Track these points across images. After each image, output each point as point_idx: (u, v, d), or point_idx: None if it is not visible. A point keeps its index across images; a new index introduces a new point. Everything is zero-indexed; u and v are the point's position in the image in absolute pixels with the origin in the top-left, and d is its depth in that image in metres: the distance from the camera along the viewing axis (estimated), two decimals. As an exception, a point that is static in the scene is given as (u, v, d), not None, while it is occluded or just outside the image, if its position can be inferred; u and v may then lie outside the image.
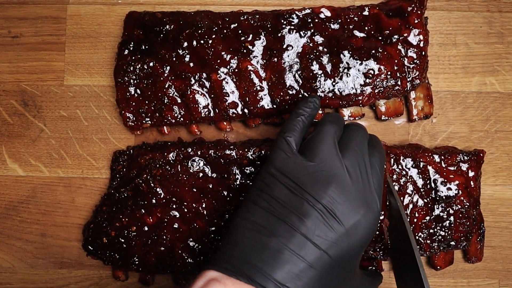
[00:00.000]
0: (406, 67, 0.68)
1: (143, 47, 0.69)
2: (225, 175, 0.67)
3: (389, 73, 0.68)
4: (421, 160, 0.67)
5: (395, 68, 0.68)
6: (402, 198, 0.67)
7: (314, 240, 0.50)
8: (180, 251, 0.67)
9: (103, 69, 0.75)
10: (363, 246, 0.55)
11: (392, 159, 0.67)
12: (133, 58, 0.69)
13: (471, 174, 0.68)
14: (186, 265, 0.68)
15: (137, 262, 0.68)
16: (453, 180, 0.67)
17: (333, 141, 0.55)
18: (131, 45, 0.69)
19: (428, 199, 0.67)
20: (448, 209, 0.67)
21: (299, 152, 0.56)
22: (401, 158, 0.67)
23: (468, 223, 0.67)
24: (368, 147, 0.58)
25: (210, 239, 0.67)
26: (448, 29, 0.74)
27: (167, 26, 0.69)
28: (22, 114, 0.75)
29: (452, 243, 0.68)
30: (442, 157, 0.68)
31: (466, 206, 0.67)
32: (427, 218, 0.67)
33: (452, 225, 0.67)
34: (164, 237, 0.67)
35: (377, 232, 0.66)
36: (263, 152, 0.67)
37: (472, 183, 0.68)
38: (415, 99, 0.71)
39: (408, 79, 0.68)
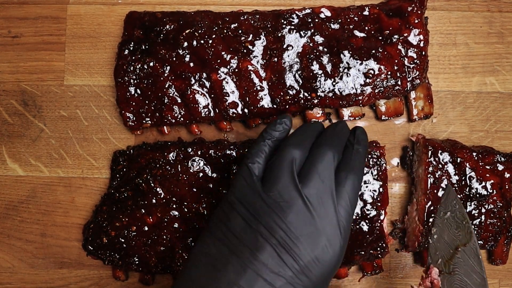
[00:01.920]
0: (406, 67, 0.68)
1: (143, 47, 0.69)
2: (225, 175, 0.67)
3: (389, 73, 0.68)
4: (458, 156, 0.67)
5: (395, 68, 0.68)
6: (435, 191, 0.67)
7: (266, 277, 0.45)
8: (180, 251, 0.67)
9: (103, 69, 0.75)
10: (324, 281, 0.49)
11: (430, 151, 0.67)
12: (133, 58, 0.69)
13: (507, 175, 0.68)
14: (186, 265, 0.68)
15: (137, 262, 0.68)
16: (488, 179, 0.68)
17: (291, 169, 0.49)
18: (131, 45, 0.69)
19: (461, 195, 0.67)
20: (480, 208, 0.67)
21: (262, 178, 0.51)
22: (439, 151, 0.67)
23: (498, 224, 0.68)
24: (341, 173, 0.51)
25: (210, 239, 0.67)
26: (448, 29, 0.74)
27: (167, 26, 0.69)
28: (22, 114, 0.75)
29: (480, 242, 0.68)
30: (480, 156, 0.68)
31: (499, 207, 0.68)
32: None
33: (482, 223, 0.67)
34: (164, 237, 0.67)
35: (377, 232, 0.66)
36: (263, 152, 0.67)
37: (506, 184, 0.68)
38: (415, 99, 0.71)
39: (408, 79, 0.68)
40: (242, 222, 0.48)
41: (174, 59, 0.68)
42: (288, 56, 0.68)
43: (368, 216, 0.67)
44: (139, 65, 0.69)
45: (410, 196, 0.72)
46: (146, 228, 0.68)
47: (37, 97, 0.75)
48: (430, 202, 0.67)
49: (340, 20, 0.69)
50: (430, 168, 0.67)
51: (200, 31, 0.69)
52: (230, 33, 0.69)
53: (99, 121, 0.74)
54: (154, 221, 0.68)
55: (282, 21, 0.69)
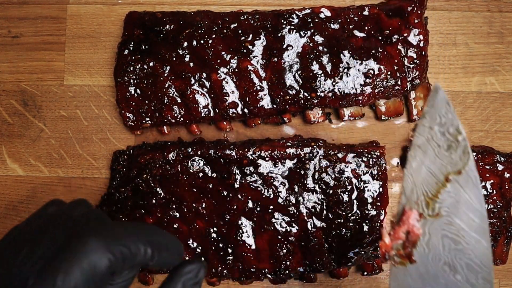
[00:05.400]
0: (406, 67, 0.68)
1: (143, 47, 0.69)
2: (225, 175, 0.67)
3: (389, 73, 0.68)
4: None
5: (395, 68, 0.68)
6: None
7: None
8: (180, 251, 0.67)
9: (103, 69, 0.75)
10: None
11: None
12: (133, 58, 0.69)
13: (507, 175, 0.68)
14: (186, 265, 0.68)
15: (137, 262, 0.68)
16: (488, 179, 0.68)
17: None
18: (131, 45, 0.69)
19: None
20: None
21: None
22: None
23: (498, 224, 0.68)
24: None
25: (210, 239, 0.67)
26: (448, 29, 0.74)
27: (167, 26, 0.69)
28: (22, 114, 0.75)
29: None
30: (480, 156, 0.68)
31: (499, 206, 0.68)
32: None
33: None
34: (164, 237, 0.67)
35: (377, 232, 0.66)
36: (263, 152, 0.67)
37: (506, 184, 0.68)
38: (415, 99, 0.71)
39: (408, 79, 0.68)
40: None
41: (174, 59, 0.68)
42: (288, 56, 0.68)
43: (368, 216, 0.67)
44: (139, 65, 0.69)
45: (410, 196, 0.72)
46: (146, 228, 0.68)
47: (37, 97, 0.75)
48: None
49: (340, 20, 0.69)
50: None
51: (200, 31, 0.69)
52: (230, 33, 0.69)
53: (99, 121, 0.74)
54: (154, 221, 0.68)
55: (282, 21, 0.69)
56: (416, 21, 0.68)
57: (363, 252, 0.67)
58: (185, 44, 0.68)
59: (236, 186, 0.67)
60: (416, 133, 0.42)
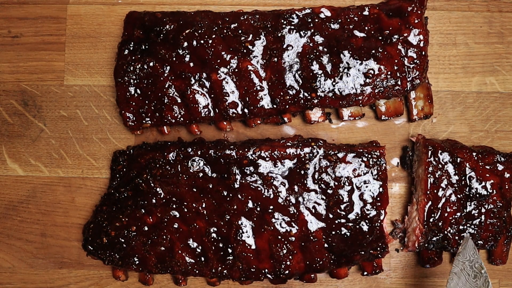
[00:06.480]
0: (406, 67, 0.68)
1: (143, 47, 0.69)
2: (225, 175, 0.67)
3: (389, 73, 0.68)
4: (458, 156, 0.68)
5: (395, 68, 0.68)
6: (435, 191, 0.67)
7: None
8: (180, 251, 0.67)
9: (103, 69, 0.75)
10: None
11: (430, 151, 0.67)
12: (133, 58, 0.69)
13: (507, 175, 0.68)
14: (186, 265, 0.68)
15: (137, 262, 0.68)
16: (488, 179, 0.68)
17: None
18: (131, 45, 0.69)
19: (461, 195, 0.68)
20: (480, 208, 0.68)
21: None
22: (439, 151, 0.67)
23: (498, 224, 0.68)
24: None
25: (210, 239, 0.67)
26: (448, 29, 0.74)
27: (167, 26, 0.69)
28: (22, 114, 0.75)
29: (480, 242, 0.68)
30: (480, 156, 0.68)
31: (499, 207, 0.68)
32: (458, 214, 0.67)
33: (482, 223, 0.68)
34: (164, 237, 0.67)
35: (377, 232, 0.66)
36: (263, 152, 0.67)
37: (506, 184, 0.68)
38: (415, 99, 0.71)
39: (408, 79, 0.68)
40: None
41: (174, 59, 0.68)
42: (288, 56, 0.68)
43: (368, 216, 0.67)
44: (139, 65, 0.69)
45: (410, 196, 0.72)
46: (146, 228, 0.68)
47: (37, 97, 0.75)
48: (430, 202, 0.67)
49: (340, 20, 0.69)
50: (430, 168, 0.67)
51: (200, 31, 0.69)
52: (230, 33, 0.69)
53: (99, 121, 0.74)
54: (154, 221, 0.68)
55: (282, 21, 0.69)
56: (416, 21, 0.68)
57: (363, 252, 0.67)
58: (185, 44, 0.68)
59: (236, 186, 0.67)
60: (453, 264, 0.62)
